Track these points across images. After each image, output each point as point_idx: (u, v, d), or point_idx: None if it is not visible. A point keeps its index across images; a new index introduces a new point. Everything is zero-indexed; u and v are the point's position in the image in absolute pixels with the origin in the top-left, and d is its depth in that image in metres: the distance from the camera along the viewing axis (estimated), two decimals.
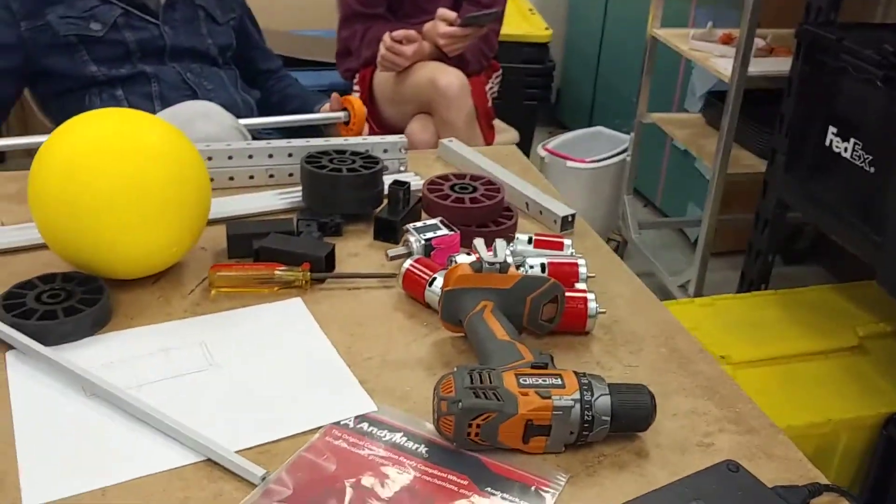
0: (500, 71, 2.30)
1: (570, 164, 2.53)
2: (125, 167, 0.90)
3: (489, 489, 0.71)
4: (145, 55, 1.60)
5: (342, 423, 0.78)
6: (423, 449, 0.75)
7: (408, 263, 0.97)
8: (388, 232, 1.08)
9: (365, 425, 0.78)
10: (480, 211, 1.08)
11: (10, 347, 0.85)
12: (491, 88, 2.22)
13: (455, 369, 0.76)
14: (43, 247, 0.99)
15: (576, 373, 0.76)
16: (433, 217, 1.06)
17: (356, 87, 2.17)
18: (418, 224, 1.03)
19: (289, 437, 0.76)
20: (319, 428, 0.77)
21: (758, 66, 2.03)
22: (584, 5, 3.51)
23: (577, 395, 0.74)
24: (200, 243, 1.03)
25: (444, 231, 1.02)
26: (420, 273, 0.96)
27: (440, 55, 2.02)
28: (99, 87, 1.58)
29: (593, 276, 0.98)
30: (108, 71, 1.57)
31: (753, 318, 1.86)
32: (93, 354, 0.85)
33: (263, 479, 0.70)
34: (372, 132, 2.00)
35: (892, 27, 2.07)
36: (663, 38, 2.37)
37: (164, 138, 0.94)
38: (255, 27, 1.89)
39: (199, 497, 0.69)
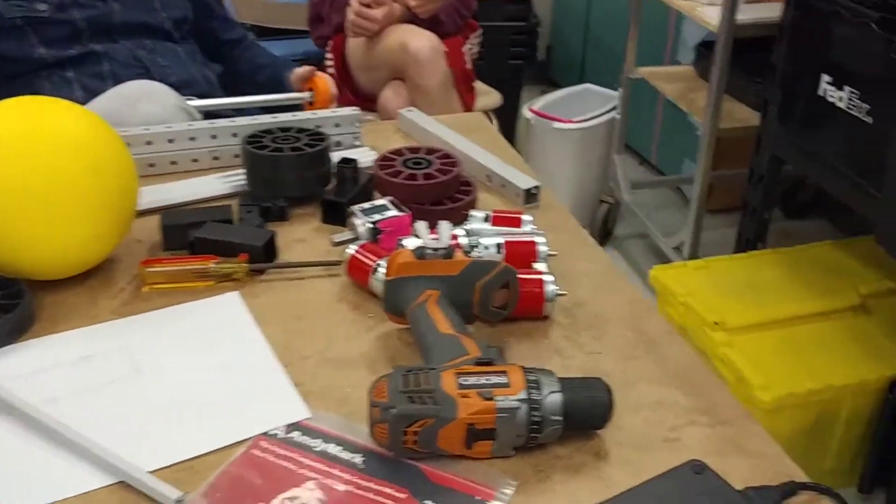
0: (480, 31, 2.19)
1: (556, 124, 2.40)
2: (34, 159, 0.82)
3: (429, 502, 0.65)
4: (95, 34, 1.51)
5: (271, 433, 0.71)
6: (358, 459, 0.69)
7: (352, 249, 0.89)
8: (336, 215, 1.00)
9: (296, 434, 0.71)
10: (434, 187, 1.00)
11: None
12: (470, 49, 2.12)
13: (392, 370, 0.69)
14: None
15: (524, 368, 0.69)
16: (385, 196, 0.98)
17: (329, 56, 2.07)
18: (366, 205, 0.95)
19: (214, 452, 0.69)
20: (248, 440, 0.70)
21: (747, 14, 1.91)
22: None
23: (523, 395, 0.67)
24: (135, 235, 0.96)
25: (393, 212, 0.94)
26: (365, 260, 0.88)
27: (412, 17, 1.92)
28: (48, 69, 1.50)
29: (555, 255, 0.90)
30: (58, 53, 1.49)
31: (750, 280, 1.77)
32: (8, 365, 0.79)
33: (179, 502, 0.64)
34: (348, 101, 1.91)
35: None
36: None
37: (78, 125, 0.86)
38: None
39: None
